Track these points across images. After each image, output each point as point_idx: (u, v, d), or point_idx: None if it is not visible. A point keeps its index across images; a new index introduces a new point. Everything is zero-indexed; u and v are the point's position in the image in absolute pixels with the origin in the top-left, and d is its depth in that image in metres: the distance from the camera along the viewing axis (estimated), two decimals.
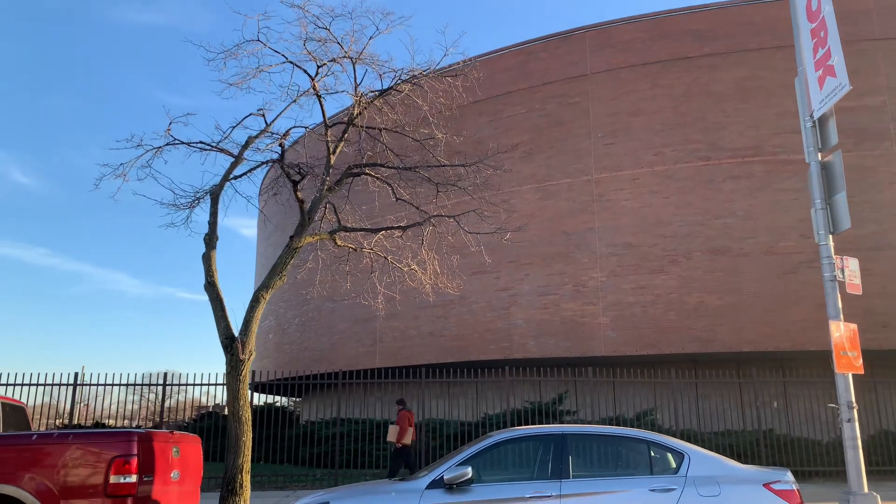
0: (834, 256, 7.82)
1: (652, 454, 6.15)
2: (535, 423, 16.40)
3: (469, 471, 5.84)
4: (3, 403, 8.01)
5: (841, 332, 7.55)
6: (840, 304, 7.73)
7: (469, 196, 11.72)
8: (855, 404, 7.48)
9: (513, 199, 20.46)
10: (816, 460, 16.14)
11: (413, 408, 19.26)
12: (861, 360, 7.60)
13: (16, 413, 8.23)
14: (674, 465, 6.06)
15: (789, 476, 5.96)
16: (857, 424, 7.43)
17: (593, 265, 19.58)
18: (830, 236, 7.92)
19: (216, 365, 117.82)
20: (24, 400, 13.51)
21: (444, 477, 5.86)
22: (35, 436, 6.52)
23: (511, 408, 16.50)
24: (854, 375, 7.57)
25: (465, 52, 11.66)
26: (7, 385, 14.58)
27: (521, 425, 16.49)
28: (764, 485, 5.83)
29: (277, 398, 30.88)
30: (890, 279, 17.22)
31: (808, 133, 8.22)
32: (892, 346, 16.93)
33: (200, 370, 78.26)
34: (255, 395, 17.16)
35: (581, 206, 20.09)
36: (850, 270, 7.89)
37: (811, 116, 8.18)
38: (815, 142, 8.18)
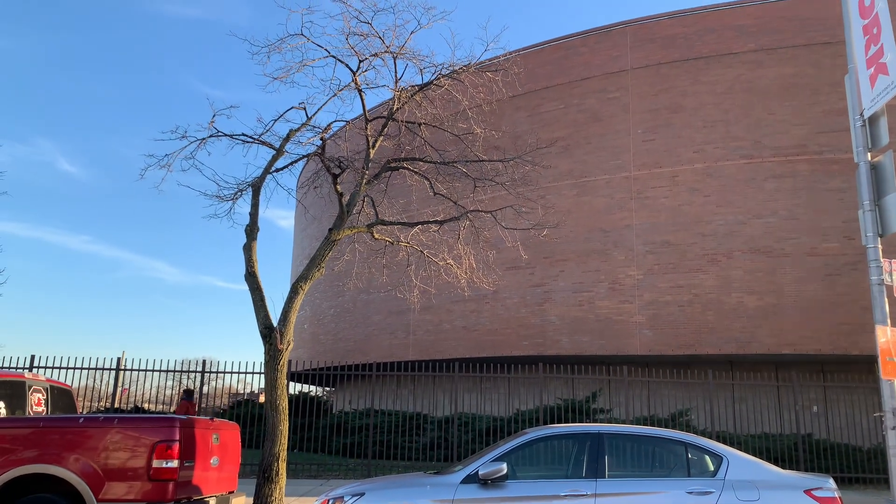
0: (882, 259, 7.62)
1: (689, 456, 6.09)
2: (567, 421, 16.34)
3: (504, 467, 5.85)
4: (51, 386, 8.27)
5: (887, 336, 7.36)
6: (887, 309, 7.53)
7: (506, 191, 11.70)
8: None
9: (549, 195, 20.34)
10: (857, 467, 15.77)
11: (444, 402, 19.34)
12: None
13: (63, 396, 8.49)
14: (711, 467, 5.99)
15: (831, 483, 5.85)
16: None
17: (630, 263, 19.38)
18: (879, 238, 7.71)
19: (249, 353, 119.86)
20: (68, 383, 13.92)
21: (479, 472, 5.88)
22: (82, 419, 6.72)
23: (544, 404, 16.45)
24: None
25: (505, 47, 11.63)
26: (53, 368, 15.03)
27: (553, 422, 16.44)
28: (805, 491, 5.72)
29: (312, 387, 31.27)
30: None
31: (858, 132, 8.01)
32: None
33: (234, 358, 79.64)
34: (290, 383, 17.46)
35: (619, 203, 19.88)
36: None
37: (861, 115, 7.97)
38: (865, 141, 7.96)
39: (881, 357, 7.28)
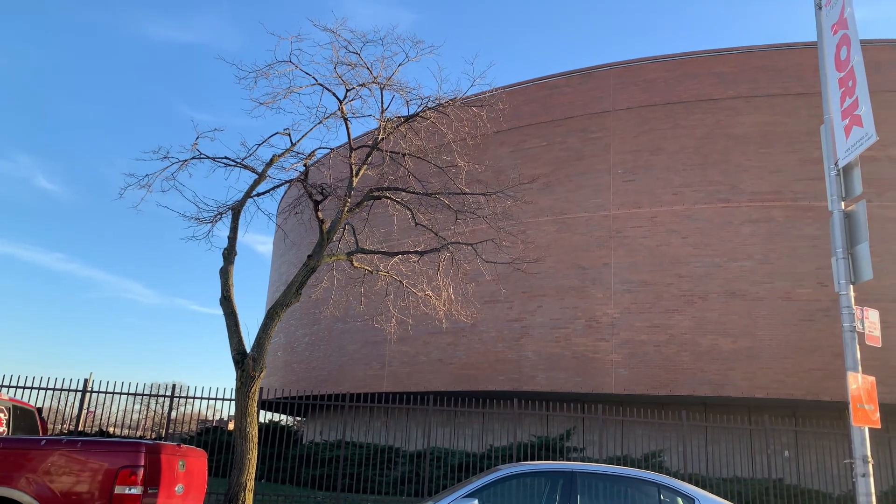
0: (854, 307, 7.71)
1: (662, 497, 6.06)
2: (541, 458, 16.21)
3: None
4: (13, 406, 8.04)
5: (859, 384, 7.42)
6: (858, 356, 7.60)
7: (486, 224, 11.76)
8: (870, 459, 7.32)
9: (530, 230, 20.45)
10: None
11: (417, 435, 19.10)
12: (878, 414, 7.45)
13: (26, 417, 8.26)
14: None
15: None
16: (871, 480, 7.27)
17: (607, 301, 19.47)
18: (851, 286, 7.81)
19: (220, 380, 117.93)
20: (31, 403, 13.55)
21: None
22: (44, 441, 6.53)
23: (517, 441, 16.31)
24: (869, 429, 7.42)
25: (491, 83, 11.78)
26: (17, 387, 14.63)
27: (526, 459, 16.30)
28: None
29: (283, 416, 30.77)
30: None
31: (833, 181, 8.16)
32: None
33: (204, 384, 78.31)
34: (261, 411, 17.14)
35: (598, 241, 20.05)
36: (870, 322, 7.77)
37: (836, 165, 8.14)
38: (839, 190, 8.12)
39: (852, 404, 7.33)
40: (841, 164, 8.06)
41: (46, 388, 14.89)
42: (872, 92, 7.92)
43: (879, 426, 7.46)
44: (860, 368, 7.54)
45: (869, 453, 7.34)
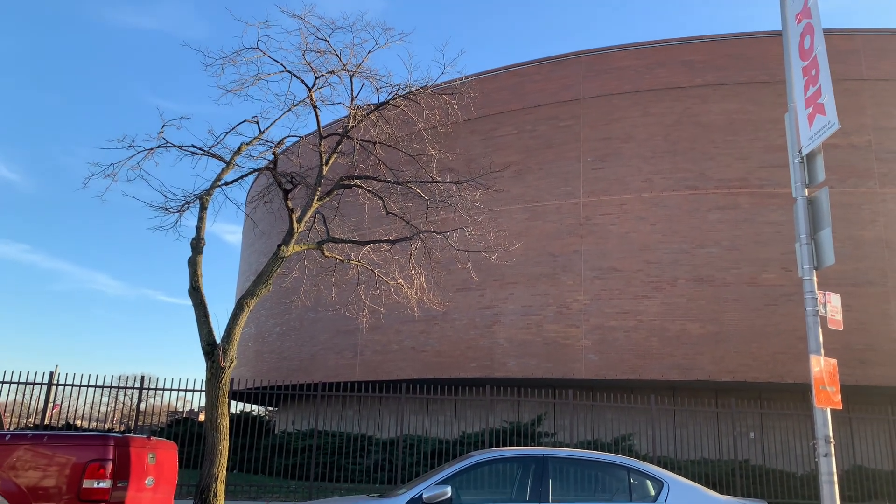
0: (817, 291, 7.88)
1: (632, 481, 6.16)
2: (513, 444, 16.37)
3: (448, 490, 5.81)
4: None
5: (821, 366, 7.60)
6: (821, 339, 7.78)
7: (458, 213, 11.77)
8: (832, 439, 7.52)
9: (501, 218, 20.48)
10: (791, 493, 16.21)
11: (390, 423, 19.12)
12: (839, 396, 7.65)
13: None
14: (653, 492, 6.07)
15: None
16: (833, 459, 7.47)
17: (578, 288, 19.65)
18: (814, 271, 7.98)
19: (190, 370, 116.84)
20: None
21: (424, 496, 5.82)
22: (9, 436, 6.40)
23: (490, 427, 16.44)
24: (831, 410, 7.61)
25: (461, 71, 11.74)
26: None
27: (499, 445, 16.44)
28: None
29: (254, 407, 30.57)
30: (869, 316, 17.43)
31: (796, 168, 8.31)
32: (869, 382, 17.11)
33: (174, 375, 77.48)
34: (232, 402, 17.03)
35: (568, 229, 20.19)
36: (832, 306, 7.95)
37: (800, 152, 8.29)
38: (803, 177, 8.27)
39: (815, 385, 7.51)
40: (804, 151, 8.21)
41: (10, 382, 14.57)
42: (835, 81, 8.07)
43: (841, 407, 7.67)
44: (822, 351, 7.72)
45: (831, 433, 7.54)
